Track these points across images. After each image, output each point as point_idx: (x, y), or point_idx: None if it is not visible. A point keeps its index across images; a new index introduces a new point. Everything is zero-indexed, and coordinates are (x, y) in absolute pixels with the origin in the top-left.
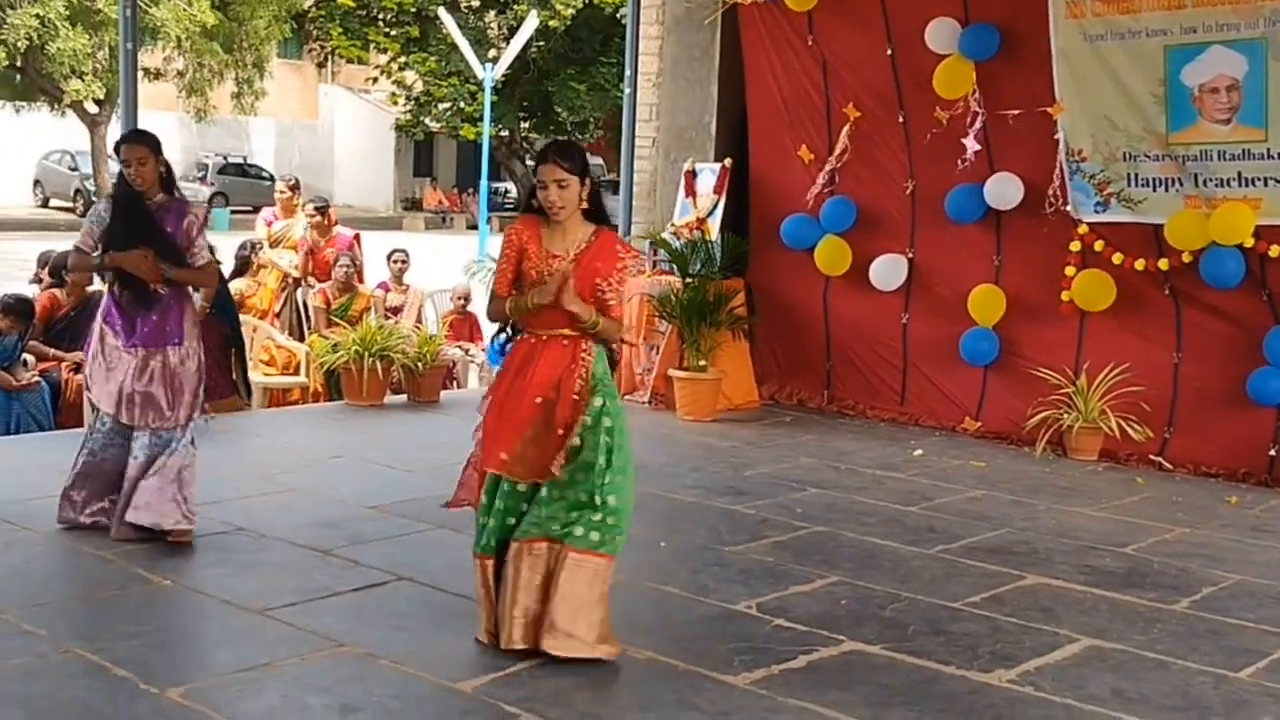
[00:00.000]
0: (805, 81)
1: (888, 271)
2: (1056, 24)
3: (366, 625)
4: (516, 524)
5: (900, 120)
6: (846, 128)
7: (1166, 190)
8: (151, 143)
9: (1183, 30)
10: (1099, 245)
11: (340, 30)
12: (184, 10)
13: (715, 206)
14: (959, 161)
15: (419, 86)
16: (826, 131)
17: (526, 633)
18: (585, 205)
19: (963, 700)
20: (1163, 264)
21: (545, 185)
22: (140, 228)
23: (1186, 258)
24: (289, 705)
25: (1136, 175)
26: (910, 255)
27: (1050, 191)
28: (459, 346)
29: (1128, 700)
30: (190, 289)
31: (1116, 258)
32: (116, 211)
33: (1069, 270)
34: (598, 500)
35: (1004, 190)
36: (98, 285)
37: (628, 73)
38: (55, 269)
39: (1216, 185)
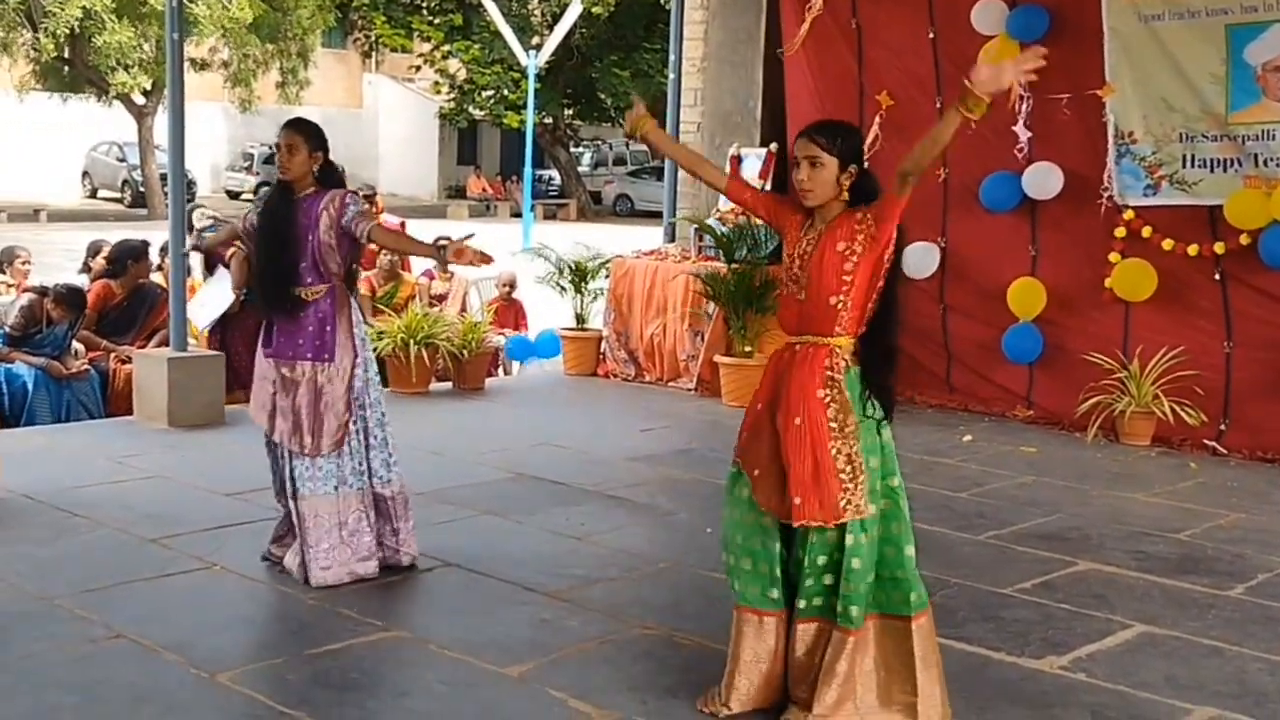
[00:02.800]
0: (840, 68)
1: (920, 259)
2: (1109, 3)
3: (414, 610)
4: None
5: (937, 106)
6: (878, 117)
7: (1225, 171)
8: (306, 131)
9: (1243, 9)
10: (1146, 231)
11: (384, 19)
12: (221, 9)
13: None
14: (1015, 151)
15: (462, 74)
16: (859, 119)
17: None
18: (846, 196)
19: (1014, 687)
20: (1218, 247)
21: (796, 163)
22: (278, 233)
23: (1244, 239)
24: (337, 689)
25: (1193, 156)
26: (942, 244)
27: (1105, 176)
28: (503, 334)
29: (1181, 687)
30: (348, 299)
31: (1166, 243)
32: (262, 211)
33: (1113, 257)
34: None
35: (1044, 179)
36: (152, 277)
37: (672, 58)
38: (119, 258)
39: (1278, 165)
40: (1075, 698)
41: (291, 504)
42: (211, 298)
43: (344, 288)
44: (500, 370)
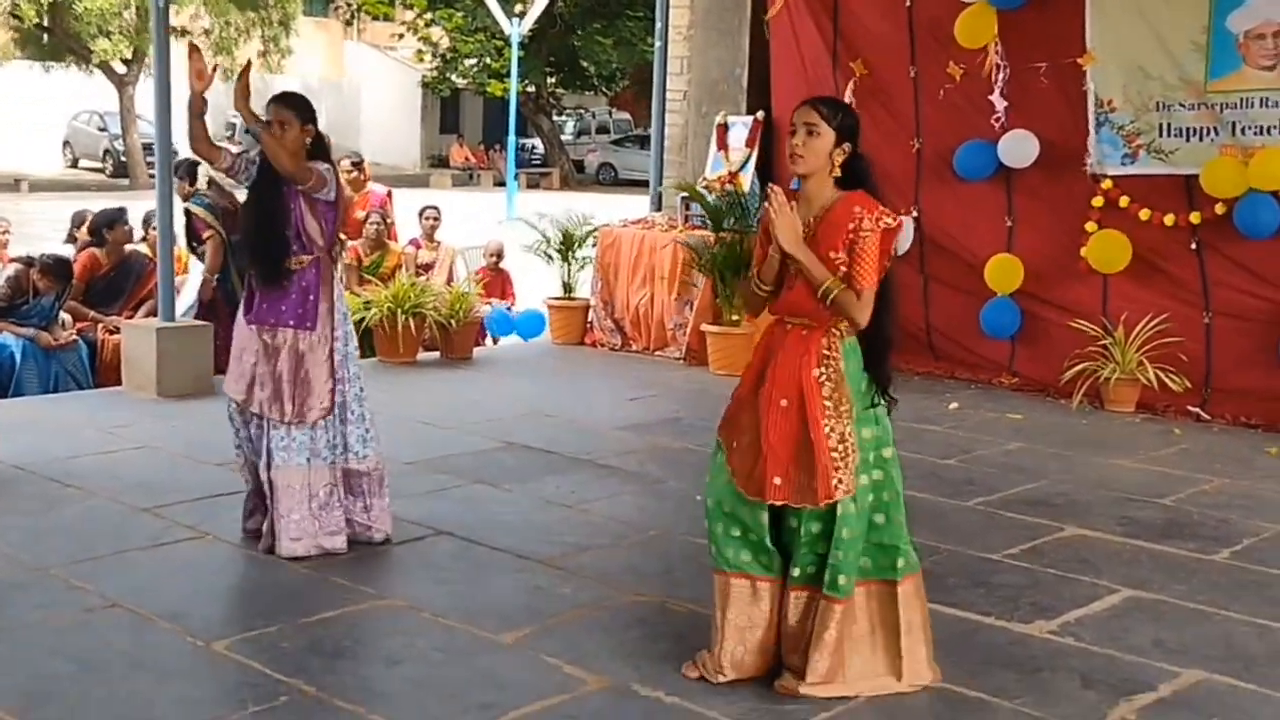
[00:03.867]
0: (816, 36)
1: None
2: None
3: (406, 579)
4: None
5: (911, 75)
6: (851, 84)
7: (1201, 140)
8: (296, 105)
9: None
10: (1124, 200)
11: None
12: None
13: (747, 160)
14: (993, 121)
15: (445, 43)
16: (834, 88)
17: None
18: (838, 173)
19: (1003, 651)
20: (1194, 217)
21: (794, 130)
22: (266, 206)
23: (1220, 209)
24: (331, 657)
25: (1169, 125)
26: (915, 214)
27: (1089, 144)
28: (490, 303)
29: (1169, 651)
30: (335, 273)
31: (1144, 213)
32: (251, 186)
33: (1089, 226)
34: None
35: (1020, 147)
36: (137, 245)
37: (658, 25)
38: (95, 228)
39: (1256, 133)
40: (1064, 661)
41: (265, 474)
42: (188, 287)
43: (329, 259)
44: (489, 339)
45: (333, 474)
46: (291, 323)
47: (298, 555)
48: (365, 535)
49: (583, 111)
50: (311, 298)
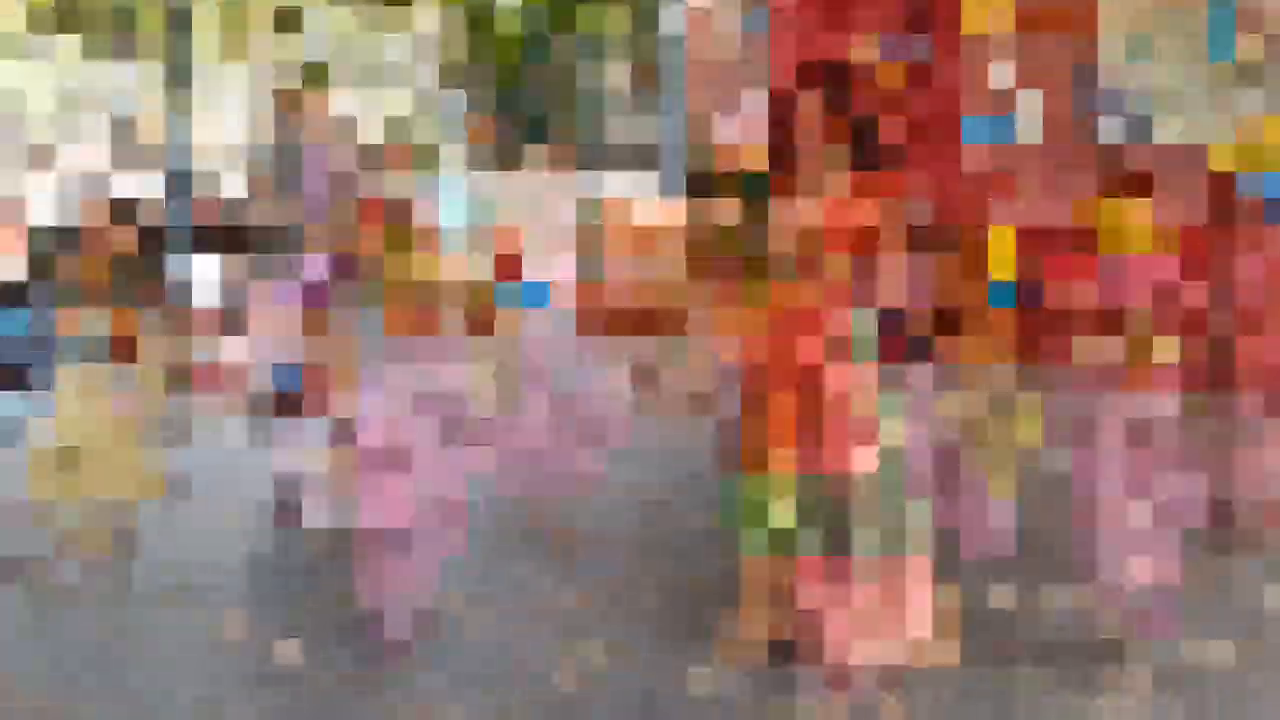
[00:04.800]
0: (824, 6)
1: None
2: None
3: (423, 557)
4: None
5: (915, 47)
6: (855, 57)
7: (1211, 113)
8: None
9: None
10: (1137, 176)
11: None
12: None
13: (759, 138)
14: (998, 94)
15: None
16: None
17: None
18: (845, 142)
19: (1017, 626)
20: (1205, 190)
21: (796, 114)
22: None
23: (1235, 185)
24: (350, 634)
25: (1180, 99)
26: (919, 191)
27: (1098, 118)
28: (499, 280)
29: (1192, 622)
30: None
31: (1154, 186)
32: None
33: (1101, 203)
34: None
35: (1027, 120)
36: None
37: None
38: (114, 213)
39: (1264, 109)
40: (1082, 635)
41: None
42: (209, 271)
43: (342, 241)
44: (498, 315)
45: (342, 453)
46: (300, 303)
47: (299, 526)
48: (382, 517)
49: (593, 85)
50: (317, 279)
